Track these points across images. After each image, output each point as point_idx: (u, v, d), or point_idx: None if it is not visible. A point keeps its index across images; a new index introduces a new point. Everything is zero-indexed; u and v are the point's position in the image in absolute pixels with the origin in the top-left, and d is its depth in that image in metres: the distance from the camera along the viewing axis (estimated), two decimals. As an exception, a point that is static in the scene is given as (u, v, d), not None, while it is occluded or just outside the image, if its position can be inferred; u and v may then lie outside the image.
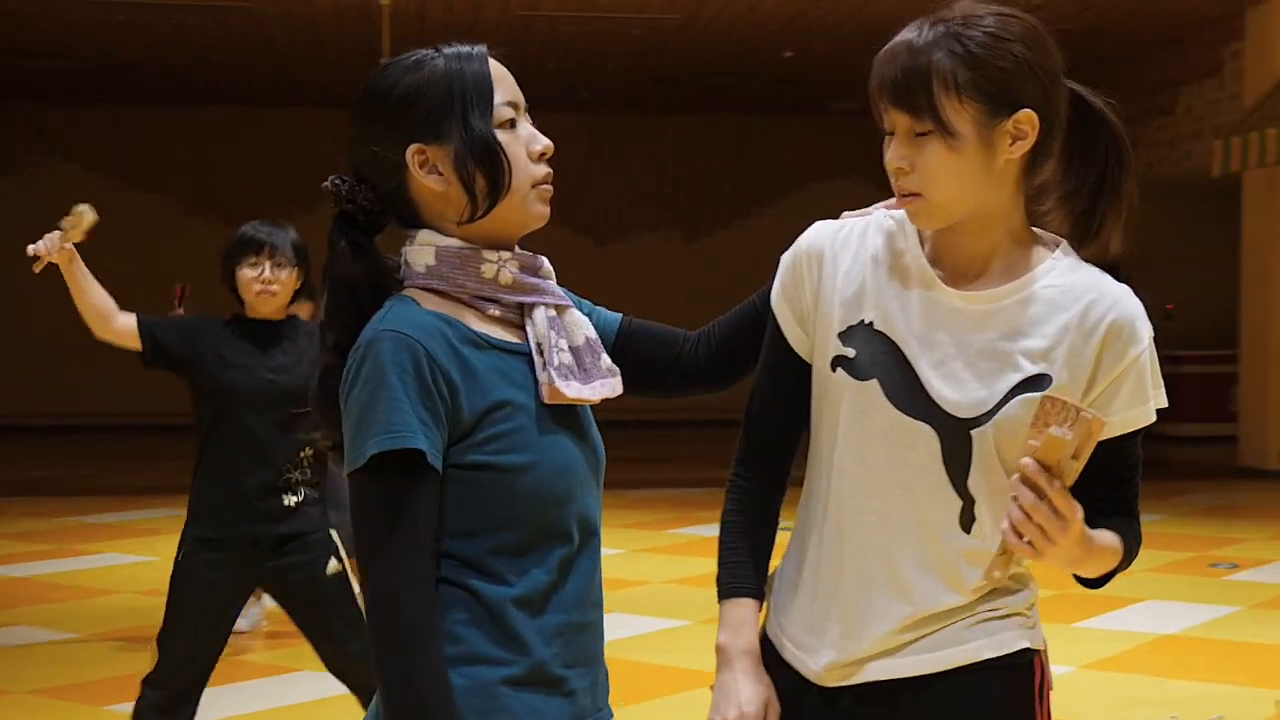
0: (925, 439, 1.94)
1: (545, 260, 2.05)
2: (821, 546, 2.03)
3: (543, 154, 1.99)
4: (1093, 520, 1.91)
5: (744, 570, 2.07)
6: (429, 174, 1.94)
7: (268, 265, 4.33)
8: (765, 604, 2.10)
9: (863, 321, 1.99)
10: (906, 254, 2.02)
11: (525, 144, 1.97)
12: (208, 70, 16.27)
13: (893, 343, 1.97)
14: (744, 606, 2.06)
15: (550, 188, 2.00)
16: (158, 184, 18.93)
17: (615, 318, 2.20)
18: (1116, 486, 2.01)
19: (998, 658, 1.98)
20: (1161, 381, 1.99)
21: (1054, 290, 1.95)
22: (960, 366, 1.94)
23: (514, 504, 1.90)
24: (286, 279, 4.35)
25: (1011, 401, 1.91)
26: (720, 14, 13.30)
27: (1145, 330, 1.96)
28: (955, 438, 1.93)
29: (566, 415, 1.97)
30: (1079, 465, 1.79)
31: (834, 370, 2.00)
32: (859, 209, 2.15)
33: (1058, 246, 2.01)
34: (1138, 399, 1.95)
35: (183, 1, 12.73)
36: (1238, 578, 8.62)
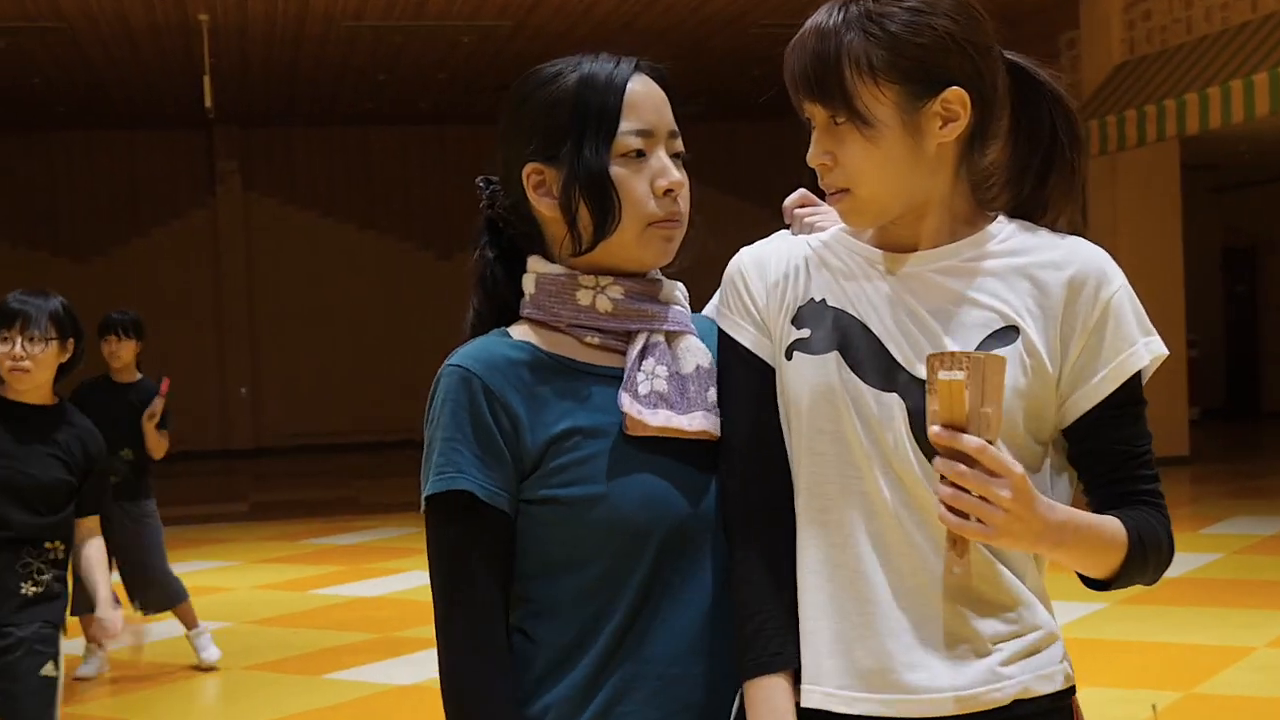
0: (894, 409, 1.77)
1: (671, 285, 1.94)
2: (818, 564, 1.81)
3: (669, 190, 1.85)
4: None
5: (770, 637, 1.81)
6: (543, 196, 1.86)
7: (19, 340, 4.02)
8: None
9: (812, 300, 1.85)
10: (843, 242, 1.88)
11: (650, 178, 1.84)
12: (29, 93, 15.67)
13: (848, 314, 1.82)
14: (772, 687, 1.80)
15: (674, 225, 1.87)
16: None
17: None
18: (1119, 467, 1.80)
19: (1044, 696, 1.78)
20: (1151, 327, 1.81)
21: (1007, 248, 1.81)
22: (922, 328, 1.78)
23: (585, 540, 1.80)
24: (43, 355, 4.04)
25: None
26: (552, 19, 13.04)
27: (1115, 273, 1.80)
28: (923, 405, 1.72)
29: (666, 447, 1.84)
30: (996, 413, 1.59)
31: (790, 359, 1.84)
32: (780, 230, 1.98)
33: (998, 217, 1.86)
34: (1123, 342, 1.77)
35: (-8, 24, 12.17)
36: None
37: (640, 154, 1.85)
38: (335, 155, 19.38)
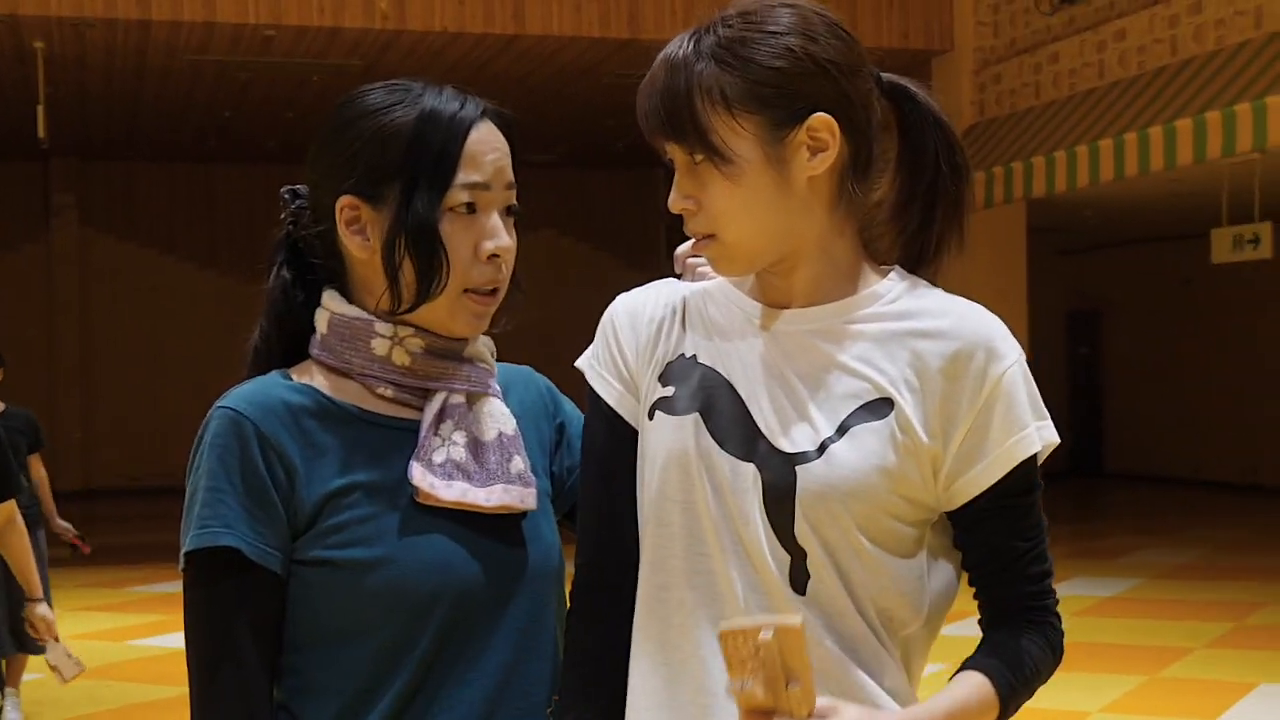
0: (750, 480, 1.62)
1: (480, 342, 1.78)
2: (654, 648, 1.65)
3: (494, 256, 1.70)
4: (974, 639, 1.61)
5: None
6: (355, 234, 1.70)
7: None
8: None
9: (682, 355, 1.71)
10: (724, 292, 1.73)
11: (476, 239, 1.69)
12: None
13: (716, 373, 1.68)
14: None
15: (489, 299, 1.72)
16: None
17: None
18: (1007, 568, 1.64)
19: None
20: (1045, 411, 1.65)
21: (892, 311, 1.66)
22: (789, 394, 1.64)
23: (361, 609, 1.63)
24: None
25: (849, 432, 1.60)
26: (405, 60, 12.83)
27: (1008, 348, 1.63)
28: (779, 477, 1.61)
29: (460, 512, 1.68)
30: (805, 685, 1.41)
31: (651, 418, 1.69)
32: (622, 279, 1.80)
33: (891, 272, 1.70)
34: (1012, 426, 1.61)
35: None
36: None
37: (471, 209, 1.68)
38: (178, 191, 18.96)
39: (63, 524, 7.06)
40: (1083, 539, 13.27)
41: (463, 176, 1.67)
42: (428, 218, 1.65)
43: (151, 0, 10.69)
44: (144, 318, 18.86)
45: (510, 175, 1.72)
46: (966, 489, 1.61)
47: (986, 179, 11.81)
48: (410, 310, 1.68)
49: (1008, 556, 1.63)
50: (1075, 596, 9.89)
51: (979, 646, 1.64)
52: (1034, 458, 1.63)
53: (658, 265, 19.13)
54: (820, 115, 1.58)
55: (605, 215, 19.58)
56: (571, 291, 16.94)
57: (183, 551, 1.63)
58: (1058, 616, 1.67)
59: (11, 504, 4.18)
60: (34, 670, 7.88)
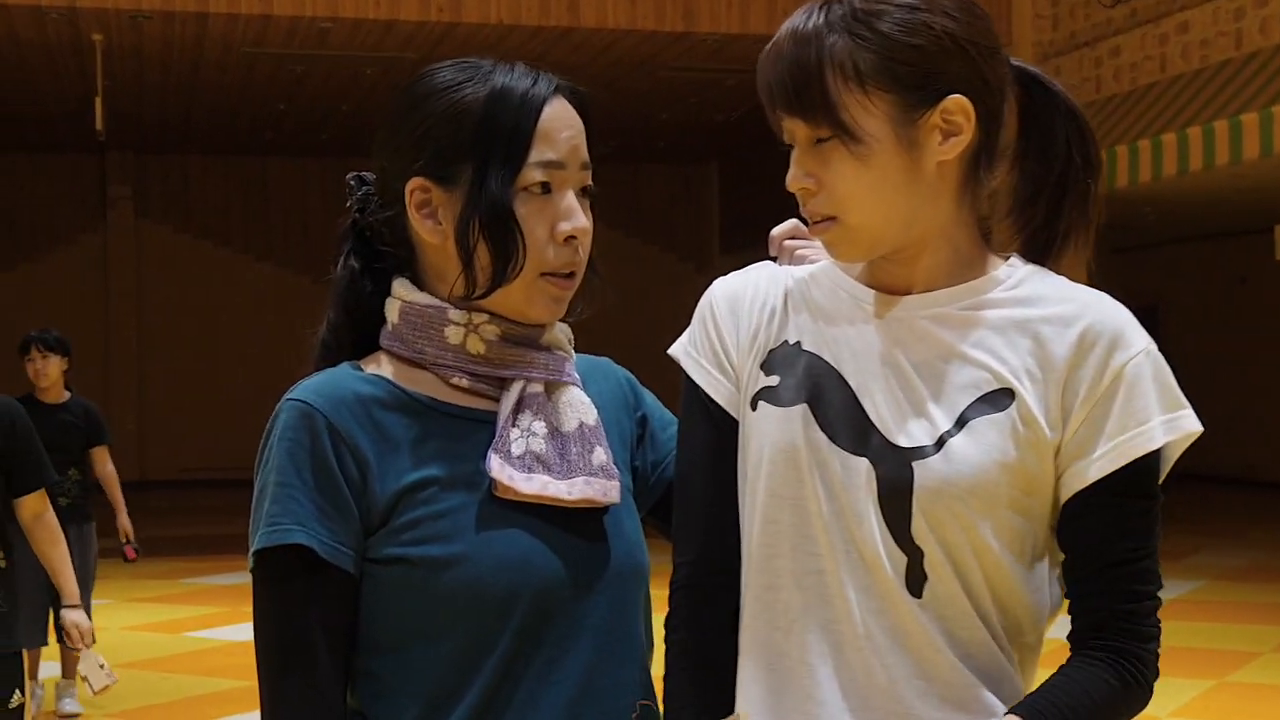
0: (863, 476, 1.54)
1: (557, 329, 1.70)
2: (759, 652, 1.58)
3: (571, 237, 1.63)
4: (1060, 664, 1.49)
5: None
6: (426, 218, 1.63)
7: None
8: None
9: (786, 342, 1.63)
10: (831, 277, 1.65)
11: (552, 220, 1.62)
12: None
13: (825, 362, 1.60)
14: None
15: (567, 282, 1.65)
16: None
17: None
18: (1100, 574, 1.52)
19: None
20: (1183, 402, 1.54)
21: (1013, 297, 1.58)
22: (904, 385, 1.56)
23: (438, 609, 1.56)
24: None
25: (968, 425, 1.52)
26: (459, 52, 12.80)
27: (1135, 336, 1.54)
28: (894, 472, 1.53)
29: (540, 506, 1.61)
30: None
31: (754, 409, 1.61)
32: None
33: (1011, 257, 1.63)
34: (1131, 419, 1.50)
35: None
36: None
37: (546, 189, 1.61)
38: (232, 184, 19.02)
39: (126, 523, 6.95)
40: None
41: (536, 154, 1.60)
42: (502, 198, 1.59)
43: (209, -7, 10.70)
44: (199, 310, 18.92)
45: (585, 154, 1.66)
46: (1071, 482, 1.52)
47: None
48: (485, 295, 1.62)
49: (1102, 562, 1.52)
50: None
51: (1044, 682, 1.52)
52: (1155, 459, 1.52)
53: (710, 261, 19.06)
54: (956, 98, 1.51)
55: (658, 210, 19.51)
56: (621, 286, 16.89)
57: (251, 550, 1.57)
58: (1151, 646, 1.52)
59: (41, 497, 3.99)
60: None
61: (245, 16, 10.99)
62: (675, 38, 11.88)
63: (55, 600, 6.66)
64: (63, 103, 14.43)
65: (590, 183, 1.67)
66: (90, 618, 6.79)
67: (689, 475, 1.65)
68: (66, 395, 6.84)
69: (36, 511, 3.99)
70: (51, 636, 5.97)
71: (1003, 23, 12.58)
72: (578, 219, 1.62)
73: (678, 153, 18.10)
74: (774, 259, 1.76)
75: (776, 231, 1.77)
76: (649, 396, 1.83)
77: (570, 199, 1.63)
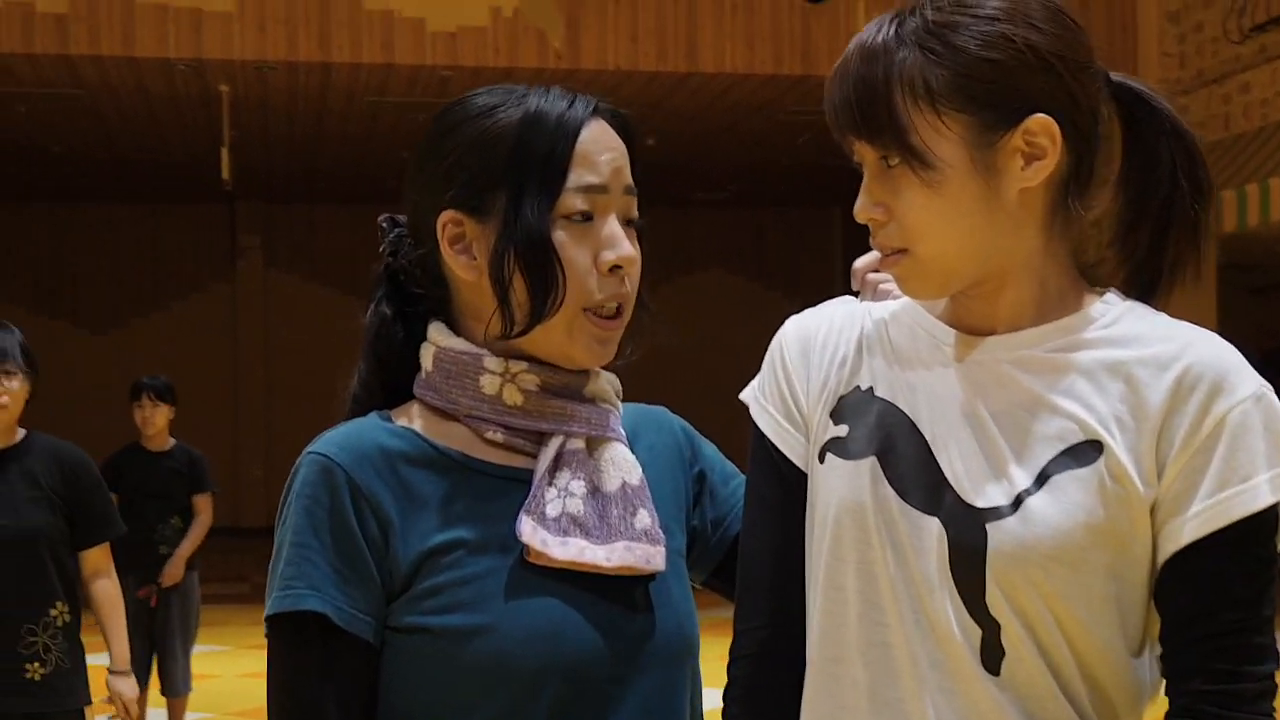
0: (934, 538, 1.40)
1: (602, 378, 1.58)
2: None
3: (616, 267, 1.52)
4: None
5: None
6: (460, 253, 1.54)
7: None
8: None
9: (858, 388, 1.49)
10: (911, 315, 1.50)
11: (595, 249, 1.51)
12: (50, 162, 15.57)
13: (899, 410, 1.45)
14: None
15: (612, 322, 1.54)
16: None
17: (741, 482, 1.65)
18: (1192, 647, 1.35)
19: None
20: None
21: (1106, 337, 1.42)
22: (981, 436, 1.41)
23: (462, 683, 1.45)
24: (19, 389, 3.63)
25: (1050, 481, 1.36)
26: (579, 100, 12.90)
27: (1241, 381, 1.37)
28: (967, 534, 1.38)
29: (575, 573, 1.49)
30: None
31: (822, 461, 1.48)
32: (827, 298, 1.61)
33: (1108, 293, 1.48)
34: (1234, 474, 1.33)
35: (11, 90, 12.01)
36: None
37: (587, 217, 1.52)
38: (359, 232, 19.23)
39: (178, 561, 6.79)
40: (1277, 587, 12.76)
41: (575, 179, 1.51)
42: (539, 227, 1.48)
43: (332, 43, 10.86)
44: (326, 358, 19.06)
45: (629, 179, 1.55)
46: (1165, 544, 1.36)
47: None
48: (524, 333, 1.51)
49: (1197, 635, 1.34)
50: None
51: None
52: (1268, 518, 1.34)
53: (833, 305, 18.92)
54: (1039, 117, 1.37)
55: (777, 254, 19.42)
56: (740, 332, 16.85)
57: (266, 614, 1.48)
58: None
59: (104, 552, 3.87)
60: (199, 708, 7.95)
61: (368, 66, 11.13)
62: (794, 81, 11.83)
63: (155, 645, 6.73)
64: (192, 153, 14.70)
65: (636, 213, 1.56)
66: (190, 668, 6.84)
67: (754, 534, 1.52)
68: (171, 443, 6.93)
69: (96, 568, 3.90)
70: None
71: (1128, 61, 12.39)
72: (623, 247, 1.53)
73: (798, 197, 18.00)
74: (856, 294, 1.64)
75: (860, 264, 1.64)
76: (708, 448, 1.72)
77: (614, 226, 1.53)
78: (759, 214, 19.06)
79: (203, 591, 7.12)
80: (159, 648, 6.76)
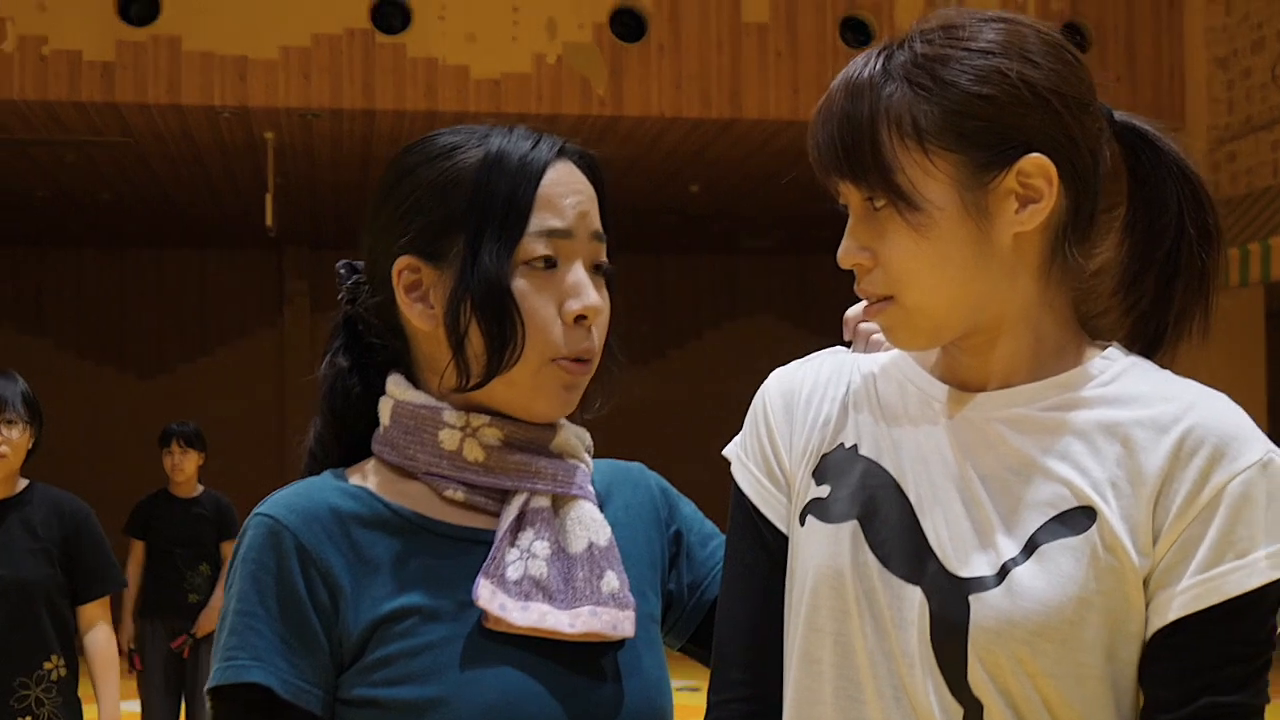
0: (915, 610, 1.31)
1: (570, 432, 1.50)
2: None
3: (581, 317, 1.45)
4: None
5: None
6: (417, 302, 1.46)
7: None
8: None
9: (842, 445, 1.40)
10: (901, 369, 1.42)
11: (559, 298, 1.44)
12: (99, 209, 15.70)
13: (883, 470, 1.36)
14: None
15: (579, 368, 1.46)
16: (46, 328, 18.30)
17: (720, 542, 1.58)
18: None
19: None
20: None
21: (1104, 395, 1.33)
22: (968, 500, 1.32)
23: None
24: (20, 439, 3.60)
25: (1038, 550, 1.27)
26: (621, 148, 12.90)
27: (1245, 447, 1.27)
28: (948, 606, 1.29)
29: (537, 641, 1.40)
30: None
31: (803, 524, 1.39)
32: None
33: (1109, 348, 1.38)
34: (1230, 549, 1.24)
35: (60, 138, 12.13)
36: None
37: (550, 263, 1.44)
38: (404, 279, 19.33)
39: (212, 619, 6.76)
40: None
41: (537, 223, 1.44)
42: (497, 274, 1.41)
43: (375, 90, 10.92)
44: (370, 403, 19.19)
45: (598, 224, 1.48)
46: (1153, 619, 1.27)
47: (1222, 261, 11.35)
48: (479, 386, 1.43)
49: (1175, 717, 1.24)
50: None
51: None
52: (1265, 598, 1.25)
53: (879, 351, 18.83)
54: (1035, 157, 1.29)
55: (825, 300, 19.35)
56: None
57: (207, 685, 1.41)
58: None
59: (102, 607, 3.81)
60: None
61: (410, 114, 11.17)
62: (838, 128, 11.81)
63: (186, 696, 6.68)
64: (239, 199, 14.80)
65: (605, 259, 1.49)
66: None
67: (731, 600, 1.43)
68: (199, 489, 6.93)
69: (93, 622, 3.83)
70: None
71: (1176, 108, 12.30)
72: (588, 296, 1.45)
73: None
74: (847, 344, 1.57)
75: (851, 313, 1.57)
76: (687, 507, 1.64)
77: (579, 273, 1.45)
78: (805, 260, 19.02)
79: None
80: (189, 699, 6.73)
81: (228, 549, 6.88)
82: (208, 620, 6.67)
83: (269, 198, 11.75)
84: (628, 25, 11.32)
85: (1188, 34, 12.17)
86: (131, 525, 6.88)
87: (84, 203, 15.41)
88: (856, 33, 11.29)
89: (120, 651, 6.58)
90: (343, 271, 1.57)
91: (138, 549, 6.82)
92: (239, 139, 12.13)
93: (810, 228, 17.16)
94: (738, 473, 1.46)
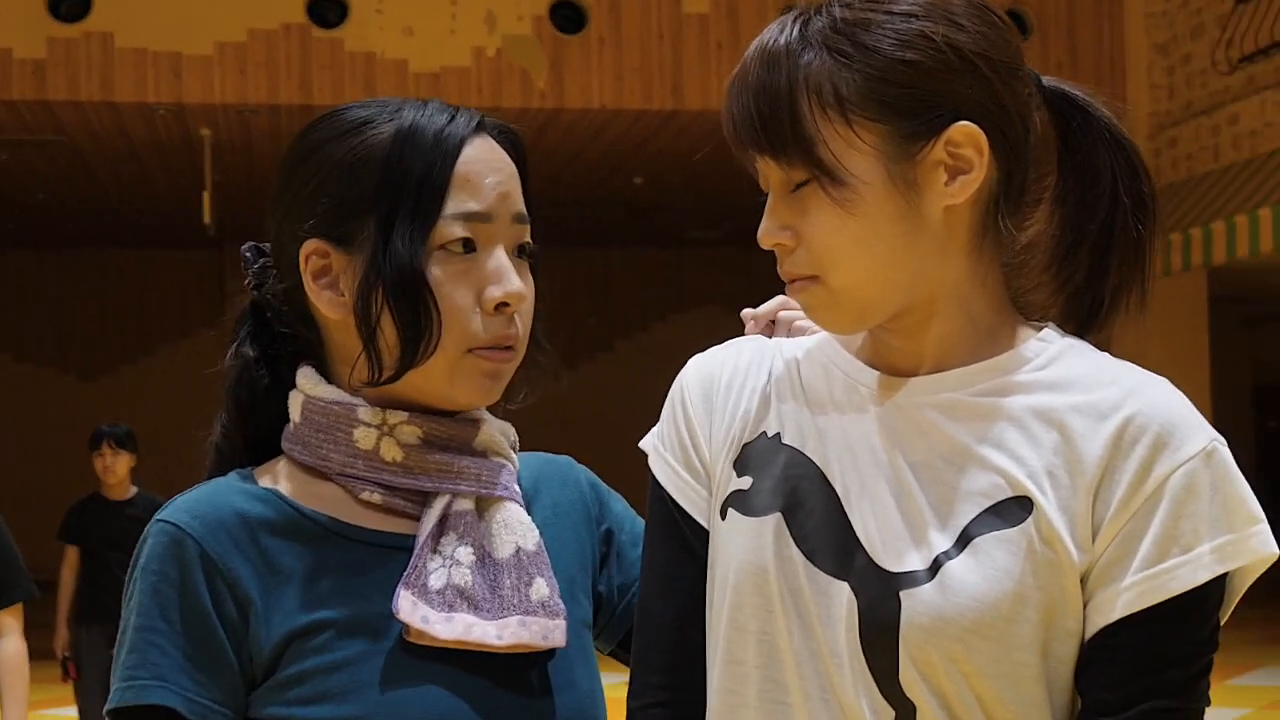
0: (844, 607, 1.23)
1: (494, 427, 1.40)
2: None
3: (502, 305, 1.34)
4: None
5: None
6: (325, 289, 1.36)
7: None
8: None
9: (764, 434, 1.32)
10: (826, 353, 1.34)
11: (479, 284, 1.33)
12: (36, 209, 15.49)
13: (807, 460, 1.28)
14: None
15: (503, 356, 1.35)
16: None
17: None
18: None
19: None
20: (1255, 516, 1.20)
21: (1040, 380, 1.25)
22: (898, 490, 1.24)
23: None
24: None
25: (972, 543, 1.20)
26: (564, 139, 12.83)
27: (1188, 435, 1.21)
28: (878, 603, 1.22)
29: (461, 653, 1.31)
30: None
31: (724, 518, 1.30)
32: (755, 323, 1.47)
33: (1044, 329, 1.31)
34: (1173, 544, 1.18)
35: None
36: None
37: (469, 247, 1.34)
38: (348, 276, 19.22)
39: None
40: (1272, 624, 12.61)
41: (454, 205, 1.33)
42: (410, 259, 1.31)
43: (313, 85, 10.80)
44: (316, 401, 19.07)
45: (520, 205, 1.38)
46: (1094, 617, 1.20)
47: (1164, 246, 11.38)
48: (392, 380, 1.33)
49: (1116, 718, 1.17)
50: (1264, 687, 9.33)
51: None
52: (1210, 592, 1.19)
53: (825, 342, 18.87)
54: (963, 126, 1.21)
55: (773, 291, 19.31)
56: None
57: (106, 708, 1.31)
58: None
59: (14, 614, 3.67)
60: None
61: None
62: (780, 118, 11.78)
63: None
64: (178, 198, 14.63)
65: (529, 239, 1.39)
66: None
67: (650, 598, 1.35)
68: (133, 491, 6.81)
69: (3, 631, 3.70)
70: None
71: (1118, 93, 12.33)
72: (509, 281, 1.34)
73: (790, 234, 17.98)
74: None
75: (759, 312, 1.47)
76: (618, 504, 1.54)
77: (500, 258, 1.35)
78: (753, 252, 19.02)
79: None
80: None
81: None
82: None
83: (207, 195, 11.60)
84: (568, 17, 11.24)
85: (1128, 20, 12.20)
86: (64, 530, 6.76)
87: (20, 203, 15.20)
88: (797, 22, 11.28)
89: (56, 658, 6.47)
90: (249, 255, 1.47)
91: (71, 554, 6.70)
92: (175, 136, 11.97)
93: (757, 219, 17.14)
94: (655, 465, 1.37)
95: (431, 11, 10.94)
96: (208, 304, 18.92)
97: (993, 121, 1.23)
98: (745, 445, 1.33)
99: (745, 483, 1.30)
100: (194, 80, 10.56)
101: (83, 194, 14.71)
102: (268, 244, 1.45)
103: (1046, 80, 1.32)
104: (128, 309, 18.59)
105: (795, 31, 1.24)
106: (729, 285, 18.67)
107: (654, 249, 18.78)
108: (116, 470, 6.72)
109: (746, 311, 1.48)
